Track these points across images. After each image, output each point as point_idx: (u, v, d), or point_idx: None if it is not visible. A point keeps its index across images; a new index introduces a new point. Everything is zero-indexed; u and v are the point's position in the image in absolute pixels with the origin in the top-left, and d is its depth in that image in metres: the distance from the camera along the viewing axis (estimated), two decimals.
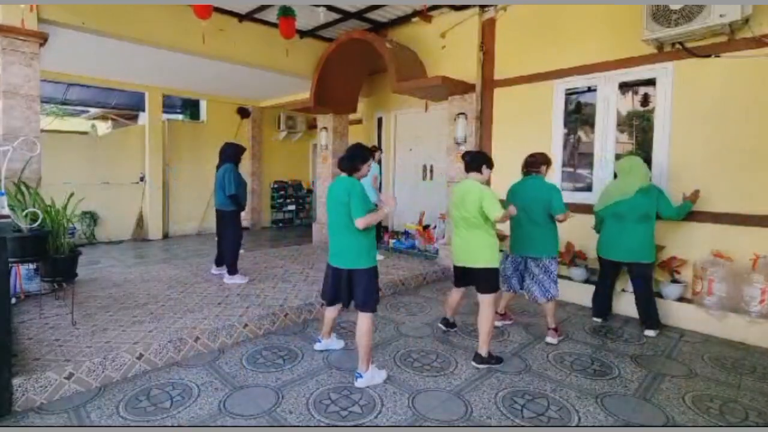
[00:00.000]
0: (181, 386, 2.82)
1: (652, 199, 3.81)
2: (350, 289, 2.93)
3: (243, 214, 5.18)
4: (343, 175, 2.95)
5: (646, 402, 2.72)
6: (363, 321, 2.86)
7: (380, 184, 6.23)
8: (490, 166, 3.35)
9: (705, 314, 3.90)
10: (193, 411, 2.54)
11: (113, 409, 2.55)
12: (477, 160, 3.30)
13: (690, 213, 4.03)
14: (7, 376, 2.46)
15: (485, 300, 3.16)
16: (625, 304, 4.38)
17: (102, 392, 2.74)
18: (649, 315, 3.89)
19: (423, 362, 3.23)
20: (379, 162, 6.73)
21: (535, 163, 3.70)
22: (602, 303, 4.22)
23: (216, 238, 5.14)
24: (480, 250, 3.18)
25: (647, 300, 3.90)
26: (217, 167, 5.03)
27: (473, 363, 3.17)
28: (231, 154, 4.99)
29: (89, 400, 2.65)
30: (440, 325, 3.85)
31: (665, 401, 2.73)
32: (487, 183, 3.26)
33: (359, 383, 2.84)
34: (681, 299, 4.15)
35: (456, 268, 3.45)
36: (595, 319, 4.24)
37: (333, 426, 2.43)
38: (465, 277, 3.38)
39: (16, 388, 2.51)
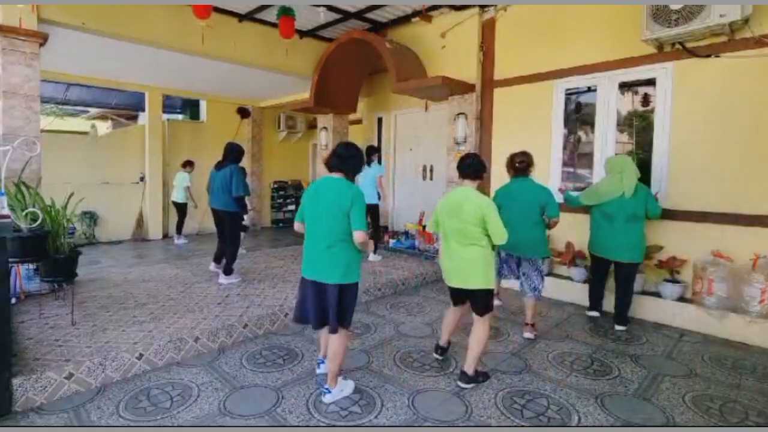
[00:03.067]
0: (181, 386, 2.82)
1: (641, 200, 3.86)
2: (333, 305, 2.56)
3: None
4: (336, 176, 2.63)
5: (646, 402, 2.72)
6: (342, 339, 2.61)
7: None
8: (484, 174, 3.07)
9: (705, 314, 3.90)
10: (193, 411, 2.54)
11: (113, 409, 2.55)
12: (478, 167, 2.94)
13: (690, 213, 4.15)
14: (7, 376, 2.46)
15: (480, 320, 2.88)
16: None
17: (102, 392, 2.74)
18: (624, 311, 4.02)
19: (423, 362, 3.23)
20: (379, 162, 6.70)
21: (527, 165, 3.71)
22: (599, 297, 4.32)
23: (218, 237, 5.14)
24: (476, 269, 2.81)
25: (627, 298, 4.02)
26: (218, 166, 4.95)
27: (459, 383, 2.86)
28: (237, 154, 4.94)
29: (89, 400, 2.65)
30: (435, 355, 3.29)
31: (665, 401, 2.73)
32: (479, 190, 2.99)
33: (327, 399, 2.63)
34: (681, 299, 4.15)
35: (451, 288, 3.03)
36: (592, 313, 4.33)
37: (333, 426, 2.43)
38: (461, 294, 3.00)
39: (16, 388, 2.51)
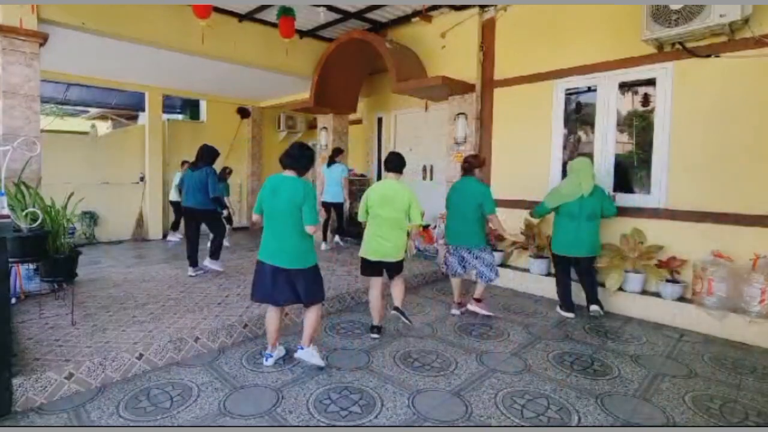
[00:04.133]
0: (181, 386, 2.82)
1: (597, 200, 4.17)
2: (295, 287, 2.98)
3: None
4: (290, 174, 2.99)
5: (646, 402, 2.72)
6: (315, 311, 3.09)
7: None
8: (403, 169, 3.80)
9: (705, 314, 3.90)
10: (193, 411, 2.54)
11: (113, 409, 2.55)
12: (399, 163, 3.72)
13: (690, 213, 4.17)
14: (7, 376, 2.46)
15: (401, 277, 3.79)
16: (624, 302, 4.39)
17: (102, 392, 2.74)
18: (595, 294, 4.26)
19: (423, 362, 3.23)
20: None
21: (471, 166, 4.15)
22: (569, 293, 4.39)
23: (188, 237, 5.26)
24: (401, 246, 3.64)
25: (595, 283, 4.32)
26: (193, 167, 5.10)
27: (395, 312, 3.73)
28: (211, 156, 5.13)
29: (89, 400, 2.65)
30: (373, 335, 3.72)
31: (665, 401, 2.73)
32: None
33: (299, 354, 3.08)
34: (681, 299, 4.15)
35: (372, 261, 3.66)
36: (568, 314, 4.32)
37: (333, 426, 2.43)
38: (380, 266, 3.69)
39: (16, 388, 2.51)
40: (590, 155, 4.92)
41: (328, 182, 6.83)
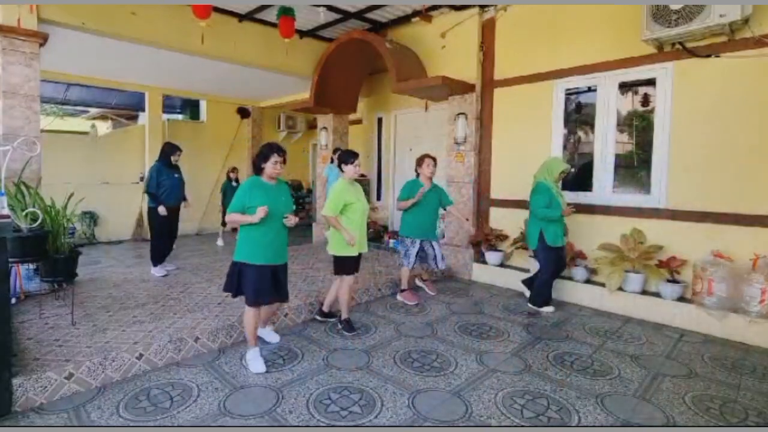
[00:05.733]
0: (181, 386, 2.82)
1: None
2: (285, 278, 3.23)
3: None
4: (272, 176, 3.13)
5: (646, 402, 2.72)
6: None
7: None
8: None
9: (705, 314, 3.90)
10: (193, 411, 2.54)
11: (113, 409, 2.55)
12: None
13: (690, 213, 4.18)
14: (7, 376, 2.46)
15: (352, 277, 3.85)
16: (624, 302, 4.39)
17: (102, 392, 2.74)
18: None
19: (423, 362, 3.23)
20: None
21: (416, 167, 4.74)
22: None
23: (169, 235, 5.34)
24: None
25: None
26: (174, 167, 5.24)
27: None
28: (162, 152, 5.25)
29: (89, 400, 2.65)
30: (338, 324, 3.89)
31: (665, 401, 2.73)
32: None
33: (263, 332, 3.48)
34: (681, 299, 4.15)
35: (355, 257, 3.74)
36: (549, 309, 4.46)
37: (333, 426, 2.43)
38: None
39: (16, 388, 2.51)
40: (590, 155, 4.93)
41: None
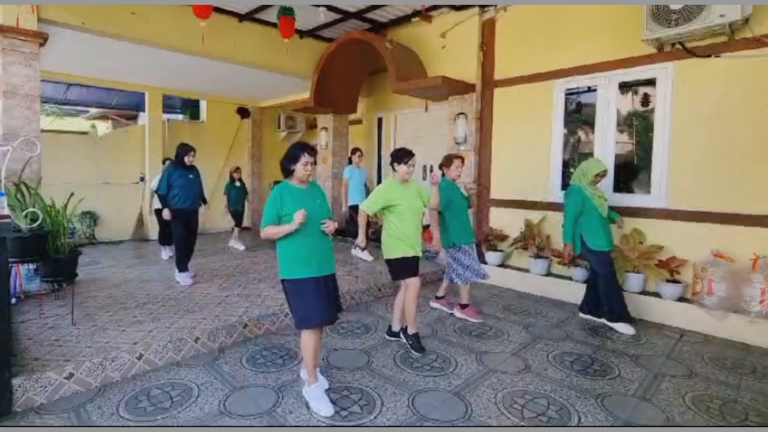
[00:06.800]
0: (181, 386, 2.82)
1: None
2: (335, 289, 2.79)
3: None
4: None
5: (646, 402, 2.72)
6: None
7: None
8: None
9: (705, 314, 3.90)
10: (193, 411, 2.54)
11: (113, 409, 2.55)
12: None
13: (690, 213, 4.16)
14: (7, 376, 2.46)
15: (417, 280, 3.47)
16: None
17: (102, 392, 2.74)
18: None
19: (423, 362, 3.23)
20: (350, 163, 6.75)
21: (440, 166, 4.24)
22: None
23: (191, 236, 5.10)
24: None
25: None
26: (189, 167, 4.93)
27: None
28: (175, 153, 4.99)
29: (89, 400, 2.65)
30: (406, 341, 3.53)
31: (665, 401, 2.73)
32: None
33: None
34: (681, 299, 4.15)
35: (414, 258, 3.41)
36: (630, 330, 3.91)
37: (333, 426, 2.43)
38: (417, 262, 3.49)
39: (16, 388, 2.51)
40: (590, 155, 4.92)
41: (352, 185, 6.46)
